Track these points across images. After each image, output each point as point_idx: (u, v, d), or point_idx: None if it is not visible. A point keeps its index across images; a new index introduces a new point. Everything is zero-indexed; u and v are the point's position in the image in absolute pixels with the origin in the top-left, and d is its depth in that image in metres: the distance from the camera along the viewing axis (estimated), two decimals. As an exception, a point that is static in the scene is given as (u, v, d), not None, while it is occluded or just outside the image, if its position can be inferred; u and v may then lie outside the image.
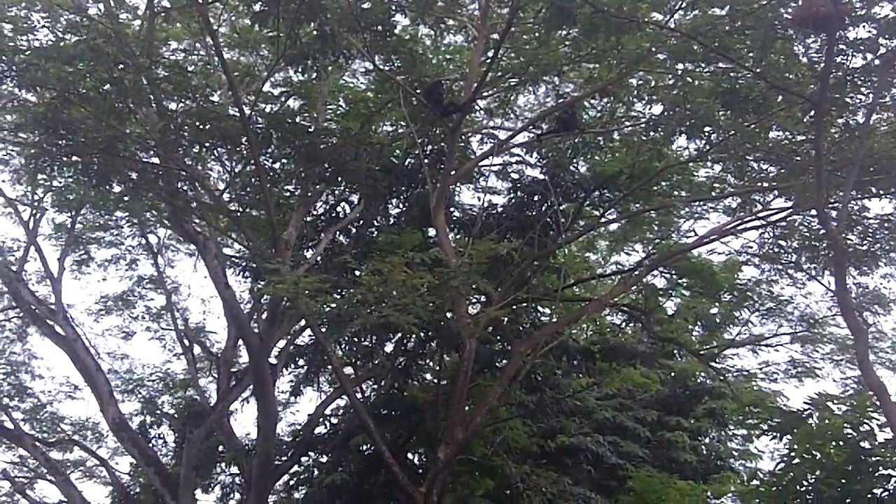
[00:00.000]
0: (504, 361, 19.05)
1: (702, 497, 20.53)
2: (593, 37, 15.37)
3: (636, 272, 20.04)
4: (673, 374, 24.40)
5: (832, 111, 15.09)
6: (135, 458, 23.62)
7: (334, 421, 22.43)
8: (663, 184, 19.85)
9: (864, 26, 13.22)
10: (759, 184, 18.53)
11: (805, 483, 13.19)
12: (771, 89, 14.92)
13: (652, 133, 18.34)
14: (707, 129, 16.89)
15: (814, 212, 16.39)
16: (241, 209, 20.62)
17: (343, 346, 21.49)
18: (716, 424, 23.98)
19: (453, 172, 18.48)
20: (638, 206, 20.48)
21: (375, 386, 22.19)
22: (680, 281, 22.65)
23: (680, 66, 16.57)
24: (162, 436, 26.06)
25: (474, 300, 19.77)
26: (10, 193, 23.94)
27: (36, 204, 24.08)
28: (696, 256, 21.51)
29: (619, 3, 13.95)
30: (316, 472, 21.47)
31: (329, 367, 20.78)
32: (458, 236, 20.56)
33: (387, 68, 18.53)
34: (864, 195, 17.23)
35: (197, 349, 26.97)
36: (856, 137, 15.18)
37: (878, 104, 15.01)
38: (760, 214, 18.84)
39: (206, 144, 18.38)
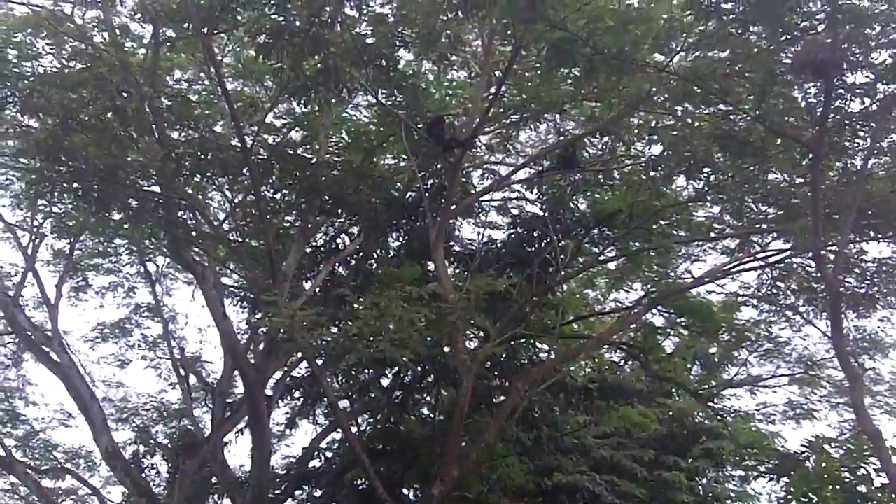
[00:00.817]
0: (502, 398, 18.99)
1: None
2: (593, 76, 15.47)
3: (634, 311, 20.04)
4: (671, 413, 24.24)
5: (830, 155, 15.15)
6: (127, 488, 23.32)
7: (329, 455, 22.29)
8: (662, 223, 19.84)
9: (862, 71, 13.30)
10: (757, 225, 18.56)
11: (802, 526, 13.16)
12: (769, 133, 14.98)
13: (651, 172, 18.41)
14: (706, 170, 16.93)
15: (811, 254, 16.40)
16: (240, 239, 20.62)
17: (339, 378, 21.42)
18: (713, 465, 23.75)
19: (453, 207, 18.51)
20: (637, 244, 20.48)
21: (371, 420, 22.10)
22: (678, 320, 22.59)
23: (680, 107, 16.64)
24: (155, 466, 25.68)
25: (472, 335, 19.75)
26: (10, 218, 24.00)
27: (35, 229, 24.07)
28: (694, 296, 21.47)
29: (620, 44, 14.05)
30: (310, 506, 21.37)
31: (325, 399, 20.69)
32: (457, 271, 20.53)
33: (389, 102, 18.59)
34: (862, 238, 17.26)
35: (192, 379, 26.83)
36: (853, 181, 15.22)
37: (875, 148, 15.10)
38: (759, 256, 18.85)
39: (207, 174, 18.41)
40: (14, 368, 27.18)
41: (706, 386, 24.10)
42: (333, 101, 17.90)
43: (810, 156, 14.49)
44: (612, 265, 23.16)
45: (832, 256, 15.83)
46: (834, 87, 13.20)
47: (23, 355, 26.47)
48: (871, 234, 16.92)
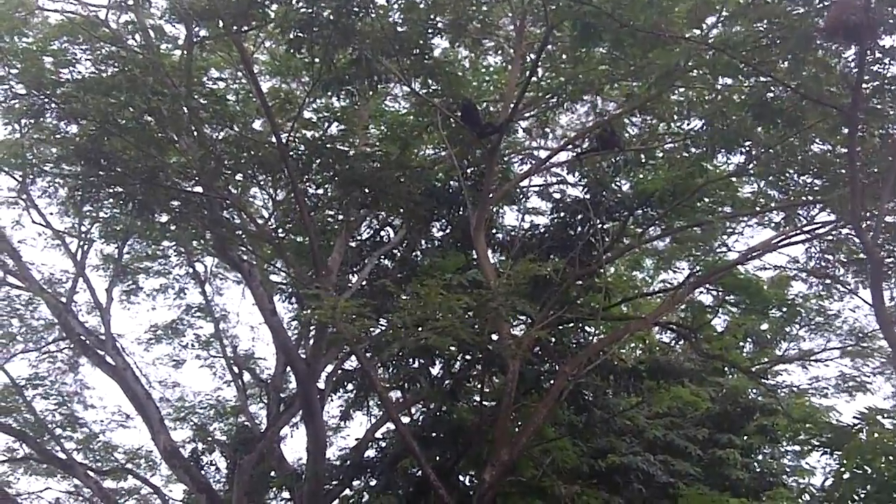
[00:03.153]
0: (551, 382, 18.96)
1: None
2: (623, 53, 15.34)
3: (681, 290, 19.86)
4: (723, 391, 24.11)
5: (868, 122, 14.89)
6: (187, 486, 23.70)
7: (383, 444, 22.39)
8: (706, 200, 19.66)
9: (897, 35, 13.06)
10: (802, 197, 18.30)
11: (856, 498, 13.01)
12: (804, 101, 14.76)
13: (693, 149, 18.24)
14: (747, 143, 16.73)
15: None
16: (284, 236, 20.75)
17: (390, 369, 21.52)
18: (768, 441, 23.58)
19: (492, 194, 18.48)
20: (681, 222, 20.31)
21: (424, 409, 22.18)
22: (727, 297, 22.40)
23: (717, 80, 16.44)
24: (214, 462, 26.08)
25: (519, 321, 19.73)
26: (58, 225, 24.37)
27: (83, 235, 24.42)
28: (742, 273, 21.26)
29: (649, 18, 13.90)
30: (366, 497, 21.47)
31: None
32: (501, 258, 20.51)
33: (425, 91, 18.56)
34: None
35: (247, 376, 27.14)
36: (893, 148, 14.98)
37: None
38: (805, 228, 18.61)
39: (247, 173, 18.53)
40: (71, 373, 27.58)
41: (759, 363, 23.86)
42: (370, 92, 17.91)
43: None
44: (658, 245, 23.00)
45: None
46: (868, 51, 12.96)
47: (78, 360, 26.84)
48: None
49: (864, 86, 13.35)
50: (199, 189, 18.53)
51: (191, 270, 26.73)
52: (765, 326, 24.81)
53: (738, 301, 22.35)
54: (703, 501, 20.07)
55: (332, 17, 15.24)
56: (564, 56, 18.88)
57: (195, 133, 17.47)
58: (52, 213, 24.00)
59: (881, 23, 12.68)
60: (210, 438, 26.99)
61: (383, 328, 15.58)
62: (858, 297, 19.44)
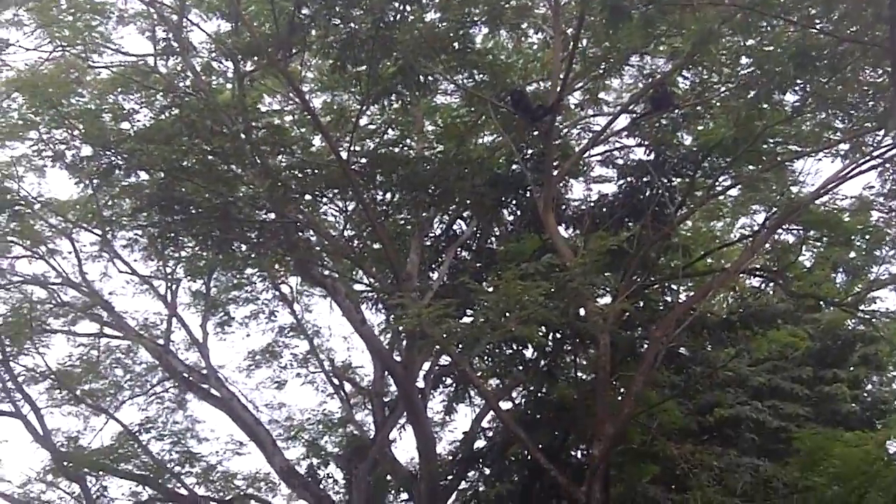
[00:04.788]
0: (644, 348, 18.97)
1: (872, 446, 20.05)
2: (658, 20, 15.28)
3: (760, 235, 19.69)
4: (821, 327, 23.90)
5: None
6: (308, 501, 24.10)
7: (490, 433, 22.60)
8: (770, 142, 19.46)
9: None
10: (864, 124, 18.02)
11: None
12: (842, 43, 14.56)
13: (750, 94, 18.05)
14: (799, 82, 16.55)
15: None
16: (360, 246, 21.03)
17: (485, 359, 21.68)
18: (874, 370, 23.40)
19: (556, 173, 18.52)
20: (749, 168, 20.13)
21: (525, 392, 22.32)
22: (809, 234, 22.12)
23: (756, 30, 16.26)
24: (330, 475, 26.36)
25: (605, 293, 19.76)
26: (143, 271, 24.93)
27: (169, 277, 24.95)
28: (820, 208, 20.98)
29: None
30: (482, 487, 21.72)
31: (477, 382, 20.93)
32: (575, 233, 20.52)
33: (472, 83, 18.65)
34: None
35: (348, 386, 27.45)
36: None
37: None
38: (874, 154, 18.32)
39: (314, 192, 18.83)
40: (180, 411, 28.11)
41: (851, 294, 23.57)
42: (418, 94, 18.05)
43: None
44: (732, 193, 22.80)
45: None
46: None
47: (185, 397, 27.37)
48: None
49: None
50: (271, 216, 18.88)
51: (277, 293, 27.08)
52: (852, 255, 24.44)
53: (821, 236, 22.07)
54: (817, 440, 19.94)
55: (370, 32, 15.43)
56: (604, 22, 18.80)
57: (259, 163, 17.79)
58: (135, 261, 24.55)
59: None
60: (323, 452, 27.28)
61: (469, 326, 15.69)
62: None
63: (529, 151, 20.05)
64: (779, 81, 16.09)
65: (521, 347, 20.86)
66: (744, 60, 17.90)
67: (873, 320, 22.26)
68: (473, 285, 16.03)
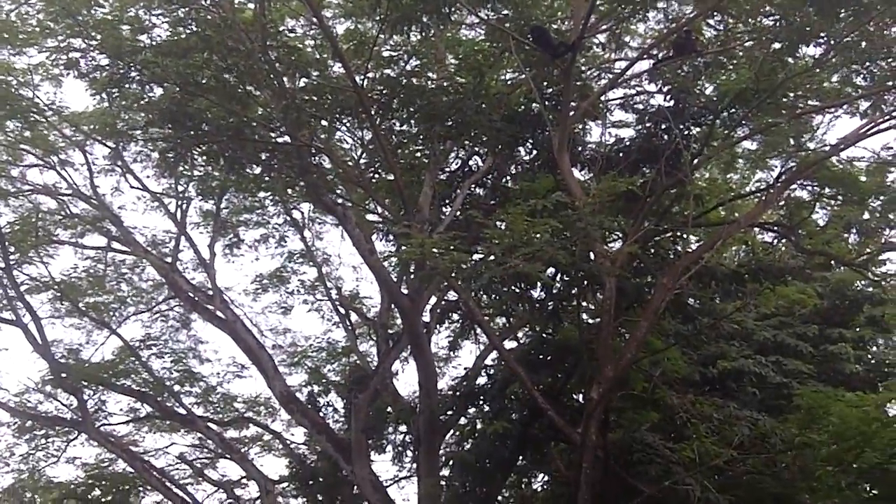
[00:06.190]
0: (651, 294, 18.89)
1: (871, 407, 20.02)
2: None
3: (775, 188, 19.54)
4: (830, 285, 23.77)
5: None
6: (306, 428, 24.27)
7: (493, 371, 22.61)
8: (791, 95, 19.22)
9: None
10: (887, 83, 17.79)
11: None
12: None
13: (773, 45, 17.82)
14: (823, 35, 16.31)
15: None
16: (374, 174, 20.92)
17: (491, 297, 21.64)
18: (880, 332, 23.28)
19: (573, 112, 18.33)
20: (769, 119, 19.91)
21: (529, 332, 22.30)
22: (824, 191, 21.95)
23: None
24: (331, 403, 26.57)
25: (616, 237, 19.65)
26: (155, 188, 24.94)
27: (181, 195, 24.97)
28: (837, 164, 20.79)
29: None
30: (480, 424, 21.77)
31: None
32: (589, 175, 20.37)
33: (495, 17, 18.40)
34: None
35: (353, 316, 27.58)
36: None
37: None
38: (894, 114, 18.10)
39: (330, 118, 18.67)
40: (183, 330, 28.31)
41: (863, 254, 23.42)
42: (441, 26, 17.84)
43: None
44: (750, 145, 22.61)
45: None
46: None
47: (190, 316, 27.53)
48: None
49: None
50: (285, 139, 18.77)
51: (289, 218, 27.15)
52: (866, 216, 24.26)
53: (836, 194, 21.91)
54: (818, 398, 19.84)
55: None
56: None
57: (275, 84, 17.64)
58: (148, 177, 24.63)
59: None
60: (324, 380, 27.51)
61: (469, 260, 15.57)
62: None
63: (549, 90, 19.84)
64: (802, 32, 15.80)
65: (528, 287, 20.80)
66: (768, 9, 17.67)
67: (883, 282, 22.15)
68: (481, 218, 15.84)
